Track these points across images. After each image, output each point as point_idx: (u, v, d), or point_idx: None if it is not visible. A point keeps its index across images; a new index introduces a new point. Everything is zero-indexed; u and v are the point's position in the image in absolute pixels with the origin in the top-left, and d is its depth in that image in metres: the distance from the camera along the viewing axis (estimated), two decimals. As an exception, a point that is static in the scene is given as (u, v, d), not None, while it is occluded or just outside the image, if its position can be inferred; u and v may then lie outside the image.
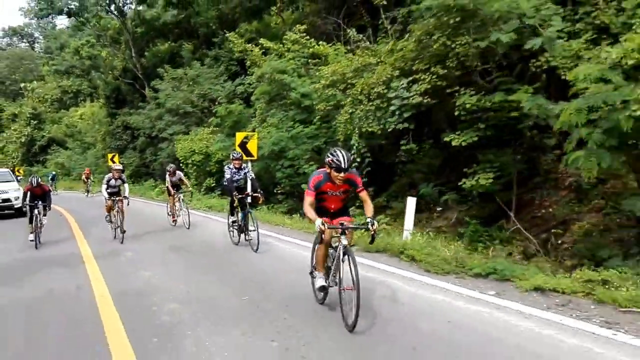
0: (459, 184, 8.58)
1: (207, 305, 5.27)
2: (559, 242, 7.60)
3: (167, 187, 12.82)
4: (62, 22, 76.48)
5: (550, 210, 8.21)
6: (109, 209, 11.19)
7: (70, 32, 31.48)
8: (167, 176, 12.74)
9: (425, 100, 9.01)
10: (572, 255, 7.09)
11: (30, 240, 10.39)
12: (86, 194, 26.97)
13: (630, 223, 6.58)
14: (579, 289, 5.02)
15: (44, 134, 48.79)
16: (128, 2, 27.54)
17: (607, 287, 4.94)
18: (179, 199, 12.28)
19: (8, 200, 17.30)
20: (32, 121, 49.60)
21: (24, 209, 11.59)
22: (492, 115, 7.99)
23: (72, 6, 27.98)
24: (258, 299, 5.46)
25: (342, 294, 4.59)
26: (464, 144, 8.24)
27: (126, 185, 11.38)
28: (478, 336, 4.14)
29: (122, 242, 10.14)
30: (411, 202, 8.33)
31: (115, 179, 11.15)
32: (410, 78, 9.45)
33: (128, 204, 10.93)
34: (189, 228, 11.60)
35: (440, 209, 10.10)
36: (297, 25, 16.34)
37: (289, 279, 6.33)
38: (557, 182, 8.55)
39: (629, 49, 5.54)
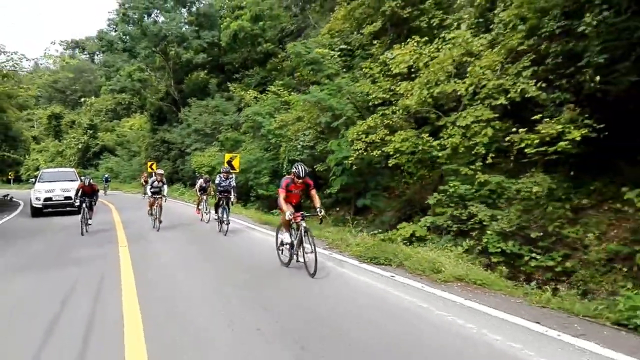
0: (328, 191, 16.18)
1: (185, 256, 10.32)
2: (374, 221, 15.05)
3: (196, 190, 16.68)
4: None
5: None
6: (151, 205, 14.02)
7: (125, 59, 40.23)
8: (199, 182, 16.60)
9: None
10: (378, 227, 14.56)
11: (81, 226, 12.99)
12: (144, 196, 28.65)
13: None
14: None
15: (98, 142, 58.28)
16: (170, 45, 36.22)
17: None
18: (205, 200, 16.10)
19: (70, 198, 18.64)
20: (88, 131, 59.41)
21: (76, 203, 13.86)
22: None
23: (127, 47, 37.14)
24: (222, 258, 10.95)
25: (305, 257, 7.62)
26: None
27: (165, 186, 14.12)
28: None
29: (158, 230, 13.21)
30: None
31: (158, 181, 13.90)
32: (308, 132, 17.21)
33: (165, 201, 13.90)
34: (208, 222, 15.52)
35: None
36: (276, 81, 24.35)
37: (254, 252, 10.00)
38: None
39: (355, 131, 13.18)
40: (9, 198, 30.58)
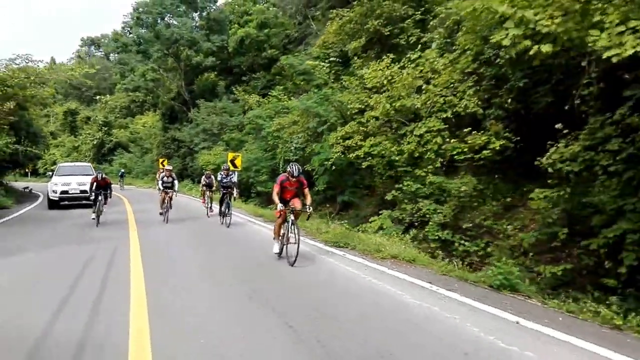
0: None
1: (187, 240, 14.83)
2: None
3: (202, 186, 17.48)
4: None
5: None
6: (162, 199, 15.22)
7: (139, 59, 42.62)
8: (203, 178, 17.50)
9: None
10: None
11: (92, 219, 13.97)
12: (159, 190, 32.63)
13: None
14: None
15: (112, 138, 60.92)
16: (181, 48, 38.56)
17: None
18: (208, 195, 17.23)
19: (85, 191, 19.07)
20: (103, 127, 62.08)
21: (91, 196, 14.75)
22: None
23: (140, 49, 39.58)
24: (219, 243, 15.14)
25: (287, 246, 8.66)
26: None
27: (176, 182, 15.22)
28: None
29: (167, 222, 14.60)
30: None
31: (167, 177, 15.14)
32: (300, 136, 19.30)
33: (176, 196, 15.45)
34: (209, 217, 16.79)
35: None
36: (277, 87, 26.50)
37: (253, 241, 11.44)
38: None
39: (334, 136, 15.23)
40: (28, 190, 32.96)
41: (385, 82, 13.24)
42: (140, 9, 39.11)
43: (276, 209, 8.82)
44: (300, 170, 8.87)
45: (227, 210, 14.25)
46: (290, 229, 8.68)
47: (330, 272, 8.24)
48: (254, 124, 25.00)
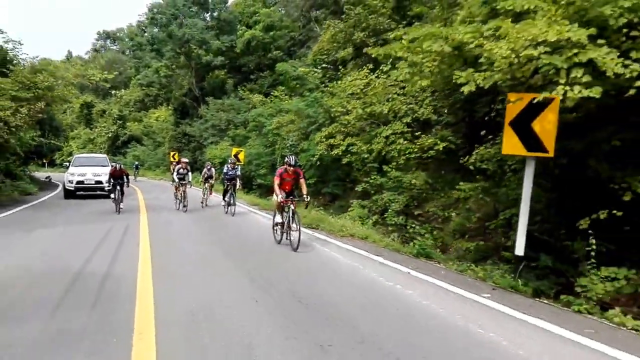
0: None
1: (192, 225, 17.51)
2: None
3: (204, 177, 18.79)
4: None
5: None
6: (177, 189, 16.63)
7: (152, 55, 45.31)
8: (205, 170, 18.95)
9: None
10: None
11: (114, 205, 15.43)
12: (172, 182, 33.12)
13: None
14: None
15: (126, 131, 63.80)
16: (192, 47, 41.17)
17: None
18: (207, 187, 18.46)
19: (100, 182, 20.49)
20: (118, 121, 65.02)
21: (107, 188, 16.17)
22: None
23: (154, 48, 42.23)
24: (229, 237, 17.70)
25: (290, 233, 9.62)
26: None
27: (190, 174, 16.58)
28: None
29: (185, 212, 16.01)
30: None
31: (183, 169, 16.44)
32: (295, 134, 21.62)
33: (190, 187, 16.98)
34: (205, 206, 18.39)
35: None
36: (278, 87, 28.86)
37: (255, 230, 13.09)
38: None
39: (319, 136, 17.55)
40: (48, 179, 35.78)
41: (358, 90, 15.54)
42: (155, 10, 41.75)
43: (274, 198, 10.04)
44: (297, 161, 10.00)
45: (231, 200, 15.63)
46: (291, 219, 9.63)
47: (303, 245, 10.51)
48: (257, 122, 27.38)
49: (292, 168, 9.69)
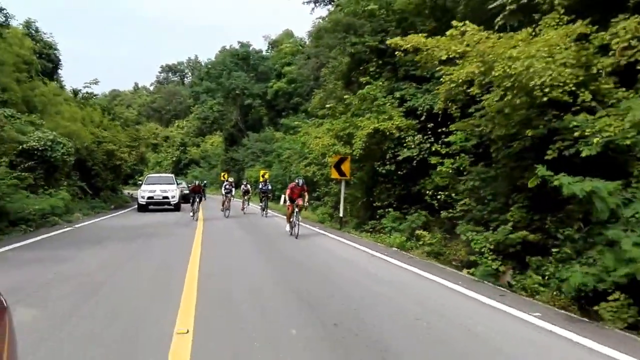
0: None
1: (233, 225, 29.24)
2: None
3: (242, 192, 26.84)
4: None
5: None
6: (224, 202, 21.64)
7: (206, 96, 59.93)
8: (224, 185, 23.90)
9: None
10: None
11: (190, 215, 19.83)
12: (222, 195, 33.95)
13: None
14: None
15: (187, 156, 78.20)
16: (237, 92, 55.17)
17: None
18: (228, 199, 22.57)
19: (167, 197, 23.58)
20: (180, 147, 79.77)
21: (190, 199, 20.61)
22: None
23: (208, 95, 56.68)
24: (256, 231, 21.47)
25: (293, 225, 14.26)
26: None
27: (233, 189, 22.08)
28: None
29: (228, 217, 21.00)
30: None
31: (229, 185, 22.43)
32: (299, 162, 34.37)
33: (233, 199, 22.50)
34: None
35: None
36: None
37: (277, 226, 17.69)
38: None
39: (302, 165, 30.36)
40: (130, 195, 49.54)
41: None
42: (209, 66, 56.27)
43: (285, 203, 16.10)
44: (303, 182, 14.68)
45: (265, 207, 22.95)
46: (295, 217, 14.30)
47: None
48: (277, 152, 40.34)
49: (298, 187, 14.51)
